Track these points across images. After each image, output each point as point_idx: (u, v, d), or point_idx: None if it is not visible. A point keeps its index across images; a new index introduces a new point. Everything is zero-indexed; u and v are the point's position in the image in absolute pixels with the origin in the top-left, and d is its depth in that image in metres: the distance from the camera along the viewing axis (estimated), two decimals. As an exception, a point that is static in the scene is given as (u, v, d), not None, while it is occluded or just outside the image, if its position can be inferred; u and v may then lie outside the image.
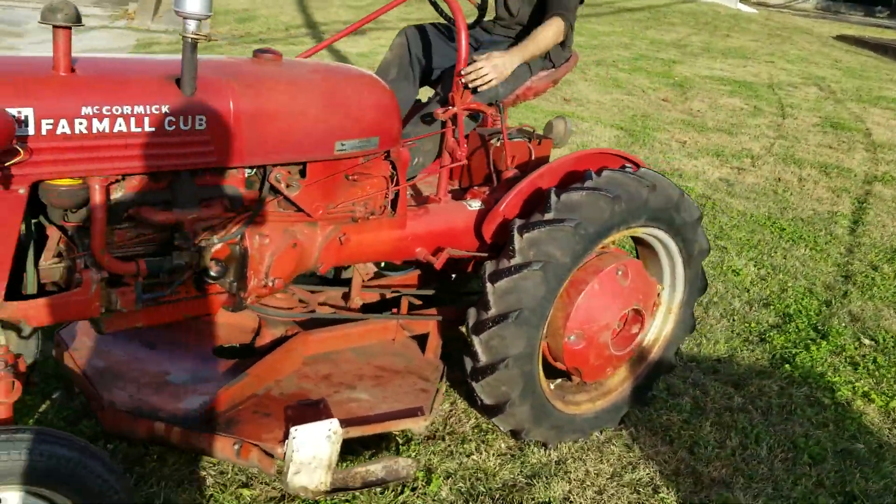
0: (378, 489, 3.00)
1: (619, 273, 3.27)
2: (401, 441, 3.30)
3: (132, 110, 2.19)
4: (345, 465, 3.01)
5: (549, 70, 3.58)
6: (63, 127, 2.10)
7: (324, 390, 3.09)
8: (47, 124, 2.07)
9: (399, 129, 2.89)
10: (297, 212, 2.75)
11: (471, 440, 3.40)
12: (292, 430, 2.64)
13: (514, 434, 3.32)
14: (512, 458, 3.32)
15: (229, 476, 2.96)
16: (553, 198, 3.05)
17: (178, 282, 2.49)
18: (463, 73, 3.15)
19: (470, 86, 3.22)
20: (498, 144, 3.51)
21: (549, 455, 3.36)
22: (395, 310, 3.52)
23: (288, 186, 2.58)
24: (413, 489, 3.08)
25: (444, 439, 3.40)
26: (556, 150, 3.75)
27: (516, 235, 3.02)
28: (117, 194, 2.30)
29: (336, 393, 3.09)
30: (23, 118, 2.03)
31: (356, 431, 2.86)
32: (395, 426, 2.96)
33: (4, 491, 2.11)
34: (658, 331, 3.67)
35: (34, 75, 2.10)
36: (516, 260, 2.99)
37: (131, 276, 2.37)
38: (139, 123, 2.21)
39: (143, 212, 2.35)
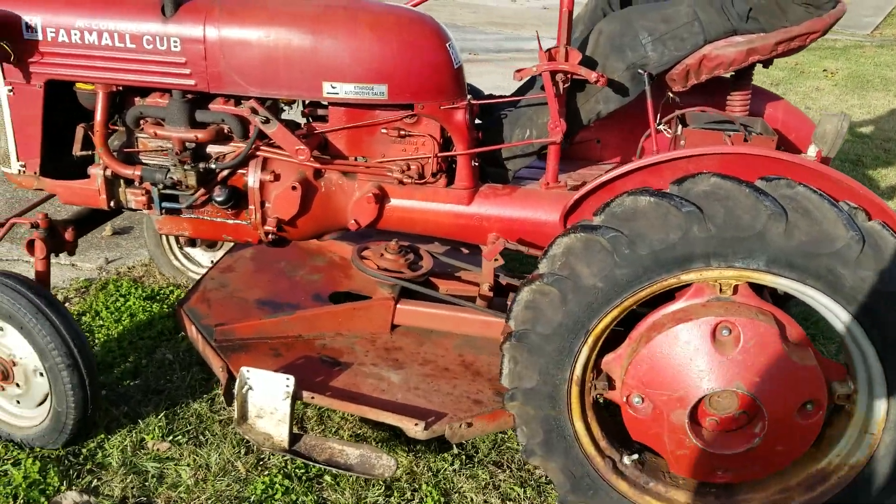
0: (364, 480, 2.72)
1: (724, 333, 2.19)
2: (429, 447, 2.87)
3: (115, 26, 2.45)
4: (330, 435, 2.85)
5: (748, 36, 2.48)
6: (62, 36, 2.48)
7: (365, 358, 2.88)
8: (51, 32, 2.48)
9: (443, 85, 2.47)
10: (323, 155, 2.62)
11: (513, 481, 2.76)
12: (243, 369, 2.60)
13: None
14: (545, 525, 2.59)
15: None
16: (613, 200, 2.22)
17: (193, 198, 2.66)
18: None
19: None
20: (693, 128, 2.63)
21: (597, 546, 2.50)
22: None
23: (266, 122, 2.48)
24: (404, 498, 2.69)
25: (482, 466, 2.83)
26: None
27: (558, 239, 2.29)
28: (120, 103, 2.59)
29: (373, 365, 2.85)
30: (33, 24, 2.48)
31: (324, 402, 2.62)
32: (377, 416, 2.60)
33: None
34: (844, 454, 2.33)
35: None
36: (541, 268, 2.29)
37: (133, 179, 2.64)
38: (121, 39, 2.45)
39: (144, 124, 2.59)
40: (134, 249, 4.32)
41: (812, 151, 2.58)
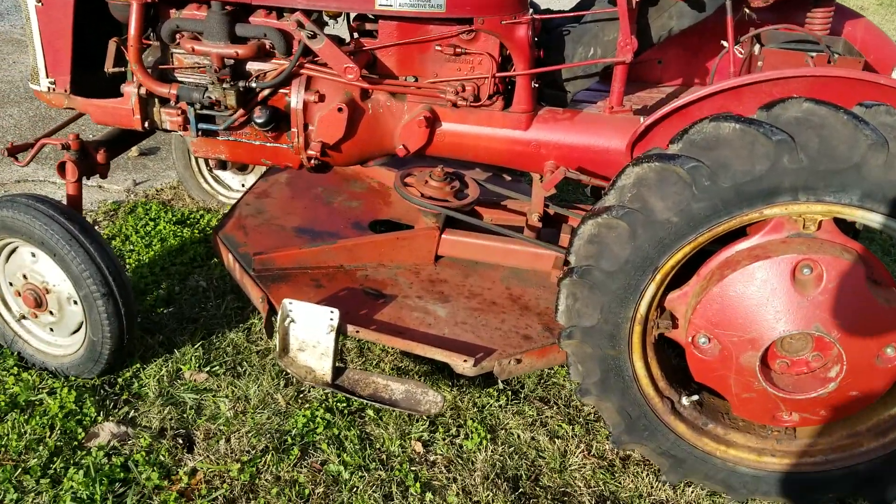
0: (407, 415, 2.63)
1: (805, 272, 2.04)
2: (473, 382, 2.78)
3: None
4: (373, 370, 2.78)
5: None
6: None
7: (409, 290, 2.76)
8: None
9: (507, -1, 2.27)
10: (371, 74, 2.44)
11: (560, 417, 2.67)
12: (285, 301, 2.48)
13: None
14: (603, 465, 2.50)
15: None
16: (692, 126, 2.04)
17: (231, 119, 2.50)
18: None
19: None
20: (763, 50, 2.43)
21: (651, 484, 2.43)
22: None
23: (312, 37, 2.30)
24: (449, 434, 2.60)
25: (528, 402, 2.74)
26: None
27: (628, 168, 2.13)
28: (154, 16, 2.40)
29: (418, 298, 2.73)
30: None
31: (370, 336, 2.51)
32: (425, 351, 2.49)
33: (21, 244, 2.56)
34: (921, 401, 2.21)
35: None
36: (608, 200, 2.13)
37: (168, 98, 2.48)
38: None
39: (181, 39, 2.42)
40: (161, 171, 4.18)
41: (897, 75, 2.40)
